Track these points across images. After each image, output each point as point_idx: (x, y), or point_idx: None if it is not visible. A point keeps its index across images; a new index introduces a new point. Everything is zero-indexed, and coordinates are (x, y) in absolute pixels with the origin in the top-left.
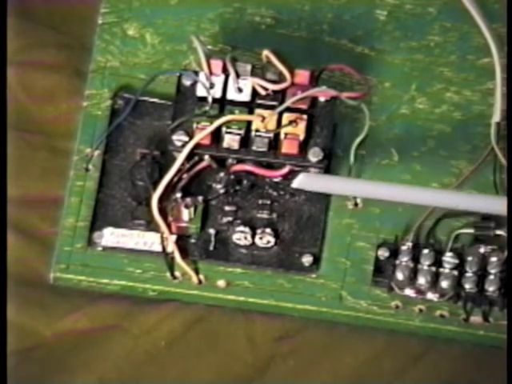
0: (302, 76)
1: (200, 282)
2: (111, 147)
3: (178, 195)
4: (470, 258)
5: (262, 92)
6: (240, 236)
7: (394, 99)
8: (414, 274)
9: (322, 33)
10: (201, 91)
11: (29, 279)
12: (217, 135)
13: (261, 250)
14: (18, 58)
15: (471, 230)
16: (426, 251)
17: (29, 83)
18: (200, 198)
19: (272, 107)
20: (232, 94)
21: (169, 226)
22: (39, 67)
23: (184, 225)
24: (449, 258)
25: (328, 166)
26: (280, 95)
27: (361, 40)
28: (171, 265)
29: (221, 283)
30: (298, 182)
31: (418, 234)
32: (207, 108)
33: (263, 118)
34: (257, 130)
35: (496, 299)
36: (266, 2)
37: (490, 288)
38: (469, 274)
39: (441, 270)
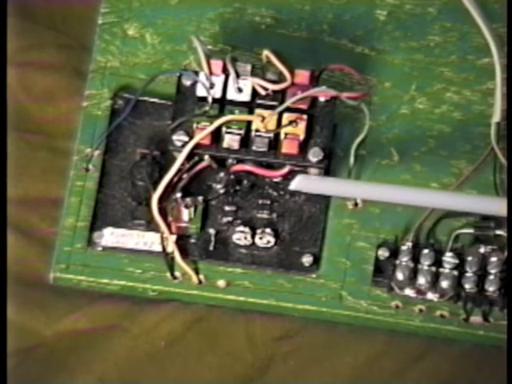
0: (302, 76)
1: (200, 282)
2: (111, 147)
3: (178, 195)
4: (469, 258)
5: (262, 92)
6: (240, 236)
7: (394, 99)
8: (414, 274)
9: (322, 33)
10: (201, 91)
11: (29, 279)
12: (217, 135)
13: (261, 250)
14: (18, 58)
15: (471, 230)
16: (425, 251)
17: (29, 83)
18: (200, 198)
19: (272, 107)
20: (232, 94)
21: (169, 226)
22: (39, 67)
23: (184, 225)
24: (449, 258)
25: (328, 165)
26: (280, 95)
27: (361, 40)
28: (171, 265)
29: (221, 283)
30: (296, 184)
31: (418, 234)
32: (207, 108)
33: (263, 118)
34: (257, 130)
35: (496, 299)
36: (266, 2)
37: (490, 288)
38: (469, 274)
39: (441, 269)
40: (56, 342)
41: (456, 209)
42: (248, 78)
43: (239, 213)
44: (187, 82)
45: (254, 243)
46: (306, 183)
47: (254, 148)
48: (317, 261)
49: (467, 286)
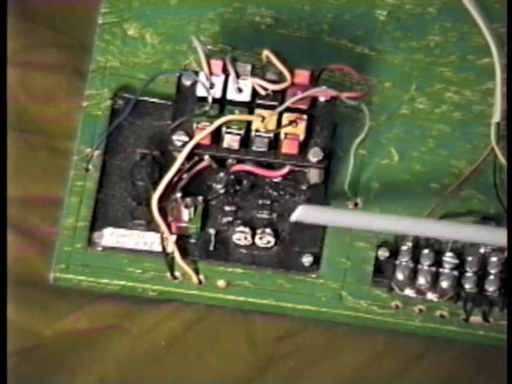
0: (302, 76)
1: (200, 282)
2: (111, 147)
3: (178, 195)
4: (469, 258)
5: (262, 92)
6: (240, 236)
7: (394, 99)
8: (414, 274)
9: (322, 33)
10: (201, 91)
11: (29, 279)
12: (217, 135)
13: (261, 250)
14: (18, 58)
15: None
16: (426, 251)
17: (29, 83)
18: (200, 198)
19: (272, 107)
20: (232, 94)
21: (169, 226)
22: (39, 67)
23: (184, 225)
24: (449, 258)
25: (328, 165)
26: (280, 95)
27: (361, 40)
28: (171, 265)
29: (221, 283)
30: (297, 215)
31: None
32: (207, 108)
33: (263, 118)
34: (257, 130)
35: (496, 299)
36: (266, 2)
37: (490, 288)
38: (469, 274)
39: (441, 270)
40: (56, 341)
41: (458, 239)
42: (248, 78)
43: (239, 213)
44: (187, 82)
45: (254, 243)
46: (307, 214)
47: (254, 148)
48: (317, 261)
49: (467, 286)
